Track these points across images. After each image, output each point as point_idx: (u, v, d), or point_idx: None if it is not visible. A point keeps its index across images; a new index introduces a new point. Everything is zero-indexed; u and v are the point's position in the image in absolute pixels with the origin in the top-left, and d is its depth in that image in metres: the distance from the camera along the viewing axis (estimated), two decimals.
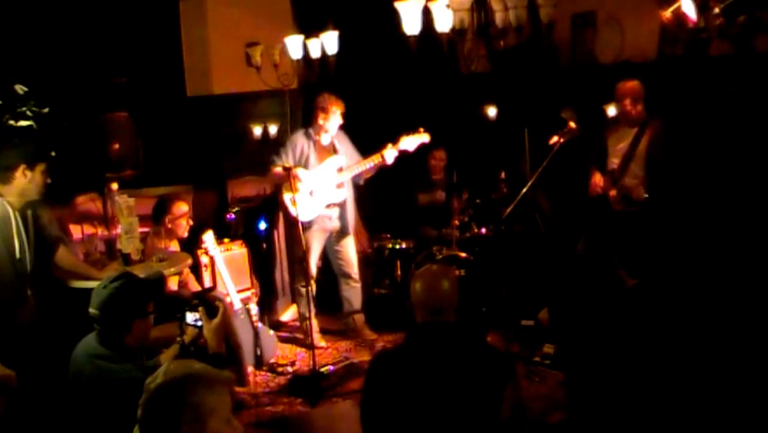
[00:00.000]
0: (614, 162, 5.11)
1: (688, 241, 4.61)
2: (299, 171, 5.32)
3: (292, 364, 5.28)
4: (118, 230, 4.48)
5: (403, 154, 5.45)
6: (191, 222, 5.10)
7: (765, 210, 4.36)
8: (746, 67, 4.28)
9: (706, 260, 4.49)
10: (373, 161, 5.40)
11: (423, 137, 5.46)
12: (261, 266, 5.98)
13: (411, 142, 5.42)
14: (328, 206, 5.49)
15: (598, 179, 5.14)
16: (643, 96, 4.96)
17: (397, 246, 6.06)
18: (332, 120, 5.37)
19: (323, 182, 5.44)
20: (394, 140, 5.44)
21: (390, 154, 5.36)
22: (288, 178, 5.07)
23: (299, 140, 5.46)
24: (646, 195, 4.83)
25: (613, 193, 4.99)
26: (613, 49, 5.60)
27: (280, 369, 5.17)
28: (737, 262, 4.36)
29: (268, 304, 6.00)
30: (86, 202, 5.05)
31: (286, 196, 5.29)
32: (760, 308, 4.00)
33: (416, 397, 2.58)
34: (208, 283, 5.17)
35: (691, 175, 4.93)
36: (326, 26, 5.72)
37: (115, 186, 4.99)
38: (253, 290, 5.45)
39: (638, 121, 5.00)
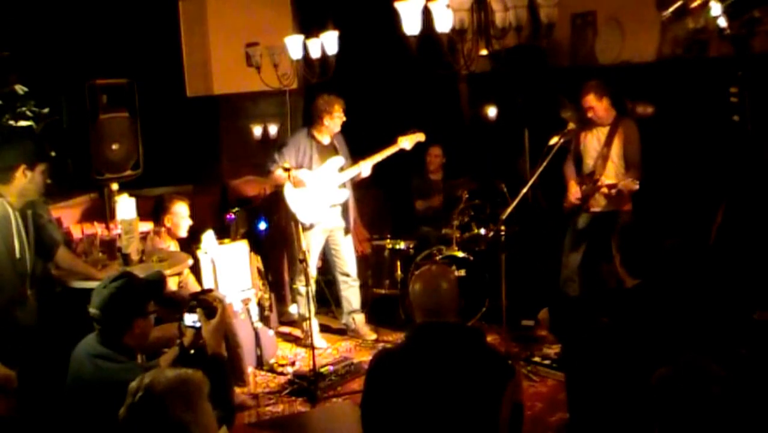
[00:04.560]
0: (589, 164, 5.13)
1: (684, 239, 4.62)
2: (303, 172, 5.34)
3: (292, 364, 5.28)
4: (118, 229, 4.48)
5: (401, 152, 5.58)
6: (191, 222, 5.10)
7: (761, 208, 4.36)
8: (746, 68, 4.28)
9: (703, 258, 4.49)
10: (359, 167, 5.51)
11: (419, 136, 5.58)
12: (269, 266, 5.99)
13: (407, 142, 5.57)
14: (331, 206, 5.51)
15: (574, 188, 5.17)
16: (608, 94, 5.00)
17: (397, 246, 6.06)
18: (336, 120, 5.40)
19: (326, 182, 5.45)
20: (391, 142, 5.52)
21: (365, 166, 5.50)
22: (289, 179, 5.08)
23: (301, 141, 5.47)
24: (637, 186, 4.86)
25: (606, 191, 5.01)
26: (613, 50, 5.60)
27: (280, 369, 5.17)
28: (735, 261, 4.36)
29: (276, 302, 5.99)
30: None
31: (289, 197, 5.29)
32: (758, 307, 3.99)
33: (416, 397, 2.58)
34: (208, 283, 5.16)
35: (678, 171, 4.95)
36: (326, 26, 5.72)
37: (115, 186, 4.99)
38: (254, 290, 5.44)
39: (607, 120, 5.04)
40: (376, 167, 5.60)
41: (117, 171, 5.21)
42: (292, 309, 6.12)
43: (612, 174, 5.04)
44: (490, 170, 6.31)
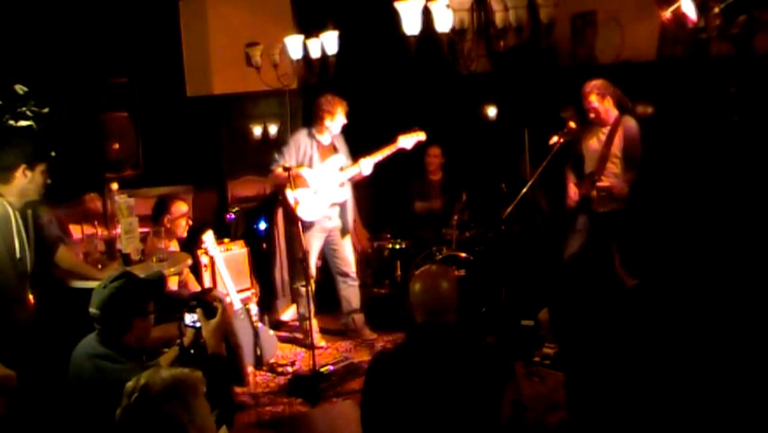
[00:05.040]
0: (590, 164, 5.13)
1: (684, 239, 4.62)
2: (305, 171, 5.34)
3: (292, 364, 5.28)
4: (118, 230, 4.48)
5: (400, 152, 5.57)
6: (191, 222, 5.10)
7: (761, 208, 4.36)
8: (746, 68, 4.29)
9: (702, 259, 4.49)
10: (358, 165, 5.49)
11: (419, 135, 5.57)
12: (261, 266, 5.98)
13: (408, 141, 5.54)
14: (331, 206, 5.51)
15: (573, 191, 5.17)
16: (610, 93, 4.98)
17: (397, 246, 6.05)
18: (337, 121, 5.40)
19: (327, 182, 5.45)
20: (391, 140, 5.52)
21: (366, 164, 5.46)
22: (290, 179, 5.08)
23: (302, 140, 5.47)
24: (627, 189, 4.87)
25: (594, 195, 5.01)
26: (613, 49, 5.60)
27: (280, 369, 5.17)
28: (735, 261, 4.36)
29: (268, 304, 6.00)
30: (94, 200, 5.07)
31: (290, 196, 5.29)
32: (758, 307, 4.00)
33: (416, 397, 2.58)
34: (208, 283, 5.17)
35: (678, 171, 4.95)
36: (326, 26, 5.72)
37: (115, 186, 4.99)
38: (253, 290, 5.45)
39: (608, 120, 5.03)
40: (377, 167, 5.60)
41: (117, 171, 5.21)
42: (285, 316, 6.13)
43: (611, 175, 5.03)
44: (491, 170, 6.30)
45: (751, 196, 4.44)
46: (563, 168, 5.34)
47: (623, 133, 4.99)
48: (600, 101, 4.98)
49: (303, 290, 5.42)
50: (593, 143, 5.13)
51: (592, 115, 5.04)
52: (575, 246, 5.26)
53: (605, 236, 3.97)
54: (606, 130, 5.05)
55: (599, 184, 5.00)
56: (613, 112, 5.03)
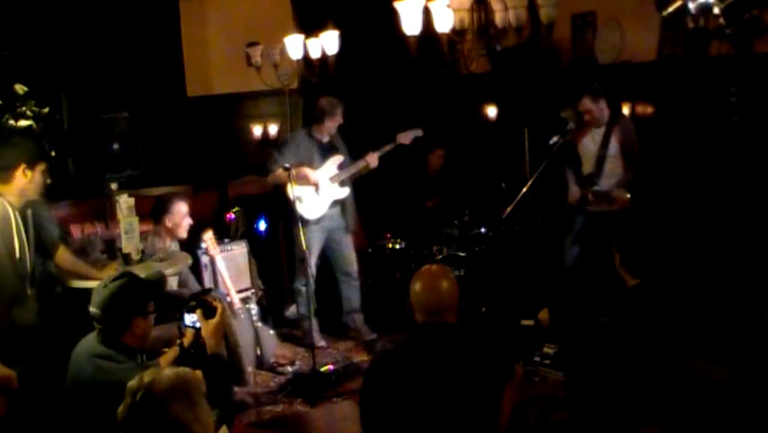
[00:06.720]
0: (587, 166, 5.13)
1: (684, 239, 4.62)
2: (305, 170, 5.35)
3: (292, 364, 5.28)
4: (118, 229, 4.48)
5: (400, 146, 5.60)
6: (191, 222, 5.10)
7: (761, 208, 4.37)
8: (746, 68, 4.29)
9: (703, 258, 4.49)
10: (359, 166, 5.51)
11: (416, 132, 5.62)
12: (262, 266, 5.98)
13: (405, 136, 5.59)
14: (332, 205, 5.52)
15: (573, 192, 5.17)
16: (604, 94, 4.98)
17: (397, 246, 6.05)
18: (336, 123, 5.44)
19: (327, 180, 5.47)
20: (391, 140, 5.52)
21: (372, 159, 5.50)
22: (290, 178, 5.09)
23: (301, 140, 5.49)
24: (629, 195, 4.86)
25: (591, 198, 5.01)
26: (613, 49, 5.60)
27: (280, 369, 5.17)
28: (735, 261, 4.36)
29: (269, 303, 5.99)
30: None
31: (290, 195, 5.30)
32: (759, 306, 4.00)
33: (416, 397, 2.58)
34: (208, 283, 5.17)
35: (678, 171, 4.95)
36: (326, 26, 5.72)
37: (115, 186, 4.99)
38: (253, 290, 5.44)
39: (604, 121, 5.02)
40: (377, 167, 5.60)
41: (117, 171, 5.21)
42: (291, 310, 6.12)
43: (608, 175, 5.03)
44: (491, 170, 6.31)
45: (751, 195, 4.44)
46: (563, 168, 5.35)
47: (619, 134, 4.99)
48: (593, 103, 4.98)
49: (303, 289, 5.42)
50: (589, 144, 5.13)
51: (587, 117, 5.04)
52: (575, 246, 5.26)
53: (605, 236, 3.97)
54: (601, 131, 5.05)
55: (596, 189, 5.00)
56: (607, 113, 5.03)
